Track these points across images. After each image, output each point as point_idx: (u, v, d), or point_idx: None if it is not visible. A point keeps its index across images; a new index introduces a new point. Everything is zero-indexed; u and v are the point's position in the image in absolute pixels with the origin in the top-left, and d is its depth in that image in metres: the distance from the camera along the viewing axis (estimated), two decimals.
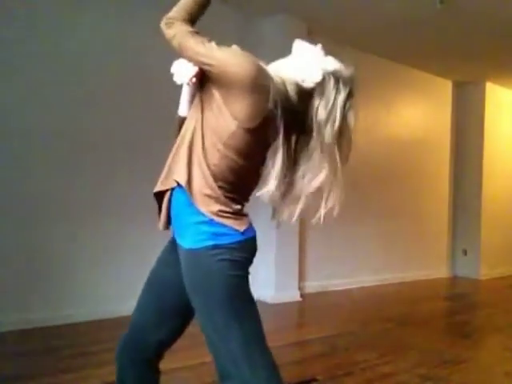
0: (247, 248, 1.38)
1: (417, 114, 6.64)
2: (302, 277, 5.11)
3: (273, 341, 3.86)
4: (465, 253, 7.08)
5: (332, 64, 1.37)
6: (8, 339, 3.25)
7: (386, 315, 4.47)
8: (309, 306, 4.83)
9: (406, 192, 6.40)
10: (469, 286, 6.54)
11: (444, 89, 7.01)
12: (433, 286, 6.35)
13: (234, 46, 1.35)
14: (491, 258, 7.00)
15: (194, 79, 1.36)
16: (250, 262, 1.41)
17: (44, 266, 3.58)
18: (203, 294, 1.33)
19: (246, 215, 1.39)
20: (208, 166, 1.31)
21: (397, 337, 3.77)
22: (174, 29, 1.34)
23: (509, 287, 6.55)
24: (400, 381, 2.83)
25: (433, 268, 6.87)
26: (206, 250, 1.31)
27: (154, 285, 1.52)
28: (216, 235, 1.31)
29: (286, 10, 4.64)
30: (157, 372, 1.56)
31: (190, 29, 1.34)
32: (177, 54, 1.36)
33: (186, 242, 1.35)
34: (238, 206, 1.37)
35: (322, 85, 1.33)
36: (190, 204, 1.32)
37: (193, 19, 1.39)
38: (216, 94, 1.32)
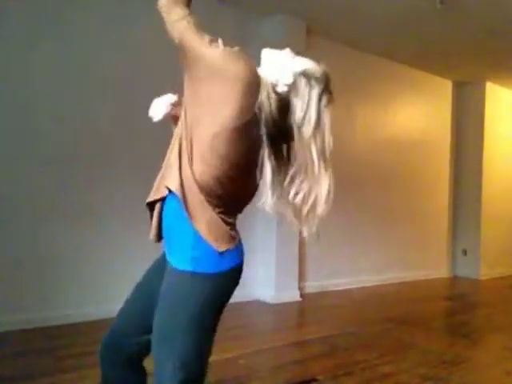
0: (226, 280, 1.36)
1: (417, 114, 6.64)
2: (302, 277, 5.11)
3: (273, 341, 3.88)
4: (465, 253, 7.08)
5: (301, 64, 1.33)
6: (7, 339, 3.25)
7: (386, 315, 4.47)
8: (309, 306, 4.83)
9: (405, 192, 6.40)
10: (469, 286, 6.54)
11: (444, 89, 7.01)
12: (433, 286, 6.34)
13: (237, 48, 1.32)
14: (491, 258, 7.00)
15: (169, 108, 1.42)
16: (227, 297, 1.40)
17: (43, 266, 3.58)
18: (173, 312, 1.34)
19: (234, 237, 1.37)
20: (194, 178, 1.29)
21: (397, 337, 3.77)
22: (179, 13, 1.29)
23: (509, 287, 6.55)
24: (400, 381, 2.83)
25: (433, 268, 6.87)
26: (186, 275, 1.31)
27: (142, 291, 1.53)
28: (196, 260, 1.31)
29: (285, 10, 4.64)
30: (142, 374, 1.56)
31: (196, 23, 1.30)
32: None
33: (172, 260, 1.37)
34: (228, 228, 1.34)
35: (295, 87, 1.30)
36: (181, 213, 1.31)
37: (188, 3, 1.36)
38: (204, 94, 1.28)
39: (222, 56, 1.26)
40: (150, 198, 1.40)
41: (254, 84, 1.27)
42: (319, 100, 1.29)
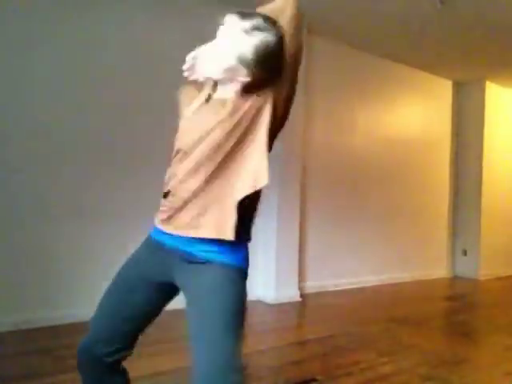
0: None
1: (417, 113, 6.64)
2: (302, 277, 5.11)
3: (273, 341, 3.87)
4: (465, 253, 7.08)
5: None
6: (8, 339, 3.25)
7: (385, 315, 4.47)
8: (309, 306, 4.83)
9: (405, 192, 6.40)
10: (469, 286, 6.54)
11: (444, 89, 7.00)
12: (433, 286, 6.34)
13: None
14: (491, 258, 7.00)
15: None
16: None
17: (43, 266, 3.58)
18: (224, 312, 1.27)
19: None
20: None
21: (397, 337, 3.77)
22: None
23: (509, 287, 6.55)
24: (400, 381, 2.83)
25: (432, 268, 6.87)
26: (239, 272, 1.33)
27: (119, 295, 1.53)
28: (246, 257, 1.37)
29: None
30: (122, 375, 1.53)
31: None
32: None
33: (224, 256, 1.31)
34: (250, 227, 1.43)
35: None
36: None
37: None
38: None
39: None
40: (247, 191, 1.32)
41: None
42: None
